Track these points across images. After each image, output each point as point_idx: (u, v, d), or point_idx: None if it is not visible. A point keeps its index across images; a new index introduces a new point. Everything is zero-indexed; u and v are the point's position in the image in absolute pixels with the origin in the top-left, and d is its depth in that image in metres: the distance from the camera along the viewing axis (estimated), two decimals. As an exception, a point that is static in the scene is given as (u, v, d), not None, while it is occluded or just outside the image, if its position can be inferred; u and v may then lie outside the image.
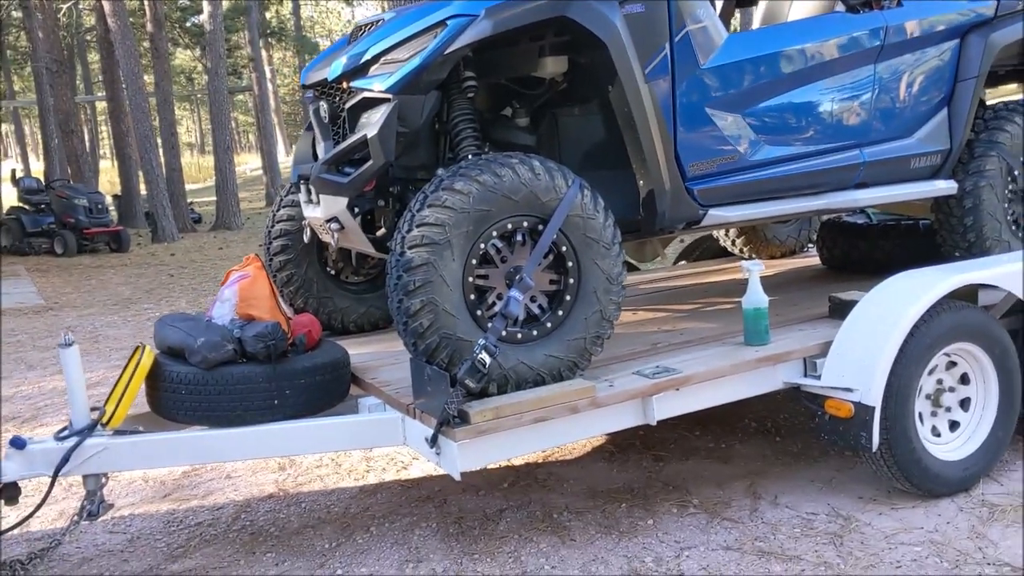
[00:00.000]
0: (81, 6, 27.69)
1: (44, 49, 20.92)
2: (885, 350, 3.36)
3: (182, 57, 37.80)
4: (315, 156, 3.78)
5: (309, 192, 3.71)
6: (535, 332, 3.20)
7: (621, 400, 3.25)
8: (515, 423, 3.05)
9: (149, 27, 20.94)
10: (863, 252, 5.03)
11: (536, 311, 3.24)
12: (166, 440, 3.26)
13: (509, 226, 3.13)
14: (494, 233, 3.10)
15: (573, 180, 3.20)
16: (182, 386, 3.27)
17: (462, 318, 3.07)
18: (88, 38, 31.27)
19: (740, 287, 3.65)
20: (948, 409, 3.67)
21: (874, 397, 3.35)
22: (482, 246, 3.09)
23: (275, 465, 4.60)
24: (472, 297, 3.10)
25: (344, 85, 3.51)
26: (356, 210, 3.59)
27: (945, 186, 4.15)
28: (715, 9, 4.62)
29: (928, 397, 3.63)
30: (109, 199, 21.83)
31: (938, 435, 3.66)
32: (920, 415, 3.60)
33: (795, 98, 3.74)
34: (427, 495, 4.08)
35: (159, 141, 20.44)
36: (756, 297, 3.64)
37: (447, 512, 3.89)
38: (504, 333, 3.13)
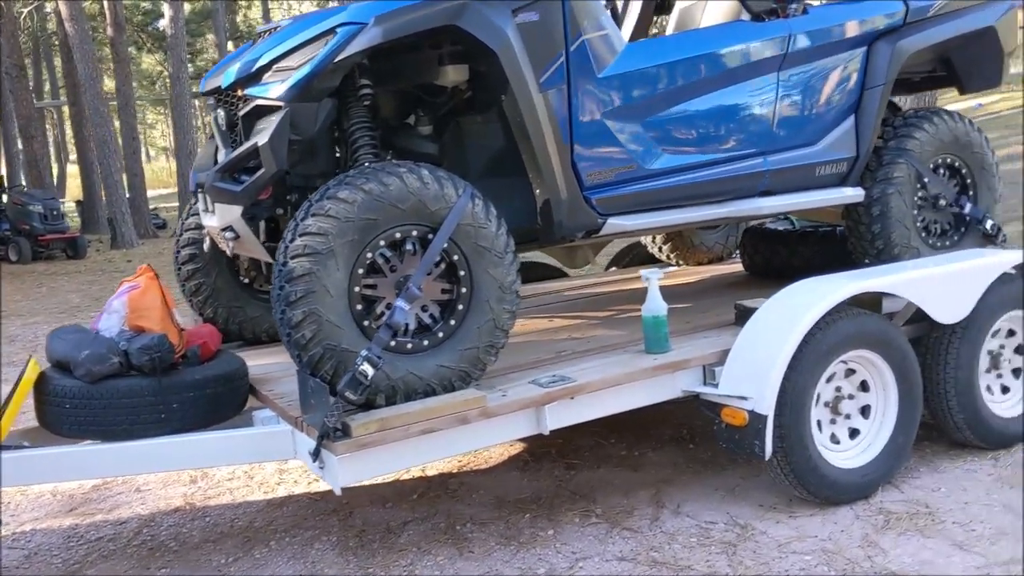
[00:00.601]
0: (47, 8, 27.43)
1: (5, 54, 20.66)
2: (778, 358, 3.36)
3: (148, 61, 37.52)
4: (216, 164, 3.74)
5: (206, 200, 3.67)
6: (426, 342, 3.18)
7: (513, 410, 3.23)
8: (402, 435, 3.02)
9: (110, 31, 20.76)
10: (783, 258, 5.04)
11: (428, 321, 3.22)
12: (49, 455, 3.20)
13: (397, 235, 3.10)
14: (381, 242, 3.08)
15: (464, 189, 3.18)
16: (67, 400, 3.21)
17: (348, 329, 3.04)
18: (54, 42, 31.00)
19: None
20: (847, 416, 3.68)
21: (767, 405, 3.35)
22: (369, 255, 3.07)
23: (187, 478, 4.54)
24: (359, 307, 3.07)
25: (239, 92, 3.47)
26: (254, 219, 3.55)
27: (852, 193, 4.17)
28: (623, 16, 4.66)
29: (827, 404, 3.64)
30: (71, 204, 21.59)
31: (837, 442, 3.66)
32: (819, 422, 3.60)
33: (695, 107, 3.74)
34: (334, 508, 4.04)
35: (120, 145, 20.26)
36: (655, 305, 3.64)
37: (350, 525, 3.86)
38: (393, 343, 3.11)
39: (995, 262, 3.90)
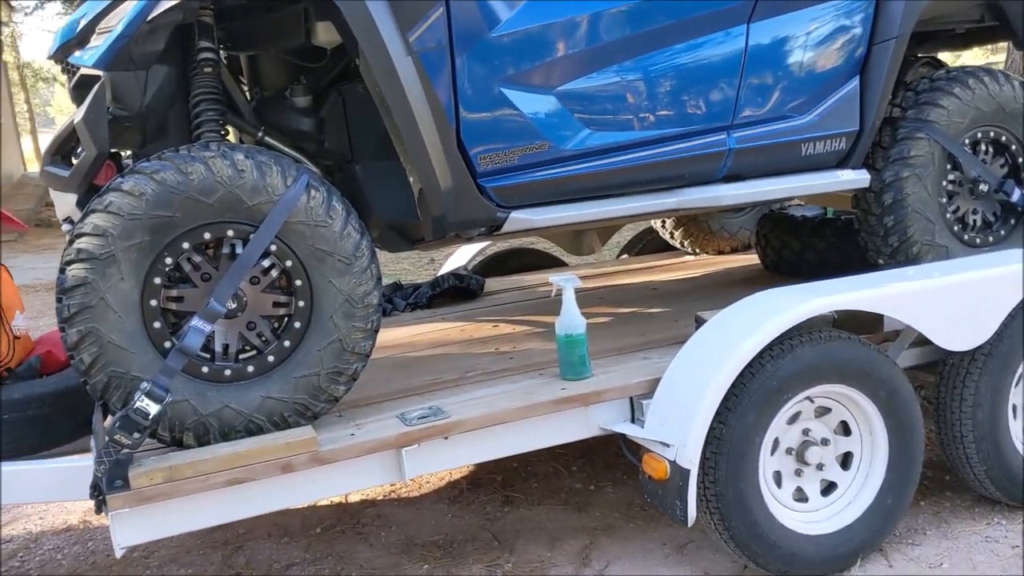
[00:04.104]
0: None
1: None
2: (705, 396, 2.59)
3: None
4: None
5: (59, 188, 3.16)
6: (251, 368, 2.57)
7: (357, 454, 2.59)
8: (200, 486, 2.43)
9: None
10: (795, 252, 4.17)
11: (257, 342, 2.60)
12: None
13: (207, 236, 2.50)
14: (186, 245, 2.48)
15: (298, 178, 2.54)
16: None
17: (140, 352, 2.45)
18: None
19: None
20: (819, 467, 2.87)
21: (690, 457, 2.59)
22: (169, 261, 2.47)
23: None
24: (158, 325, 2.49)
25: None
26: None
27: (852, 177, 3.29)
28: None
29: (790, 452, 2.85)
30: None
31: (804, 500, 2.87)
32: (777, 475, 2.82)
33: (629, 70, 2.95)
34: (224, 540, 3.51)
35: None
36: (570, 320, 2.93)
37: (231, 564, 3.33)
38: (207, 370, 2.53)
39: (1033, 269, 2.98)
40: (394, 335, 3.76)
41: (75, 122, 2.74)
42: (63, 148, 2.87)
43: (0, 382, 2.95)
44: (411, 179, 2.82)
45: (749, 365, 2.64)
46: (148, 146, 2.96)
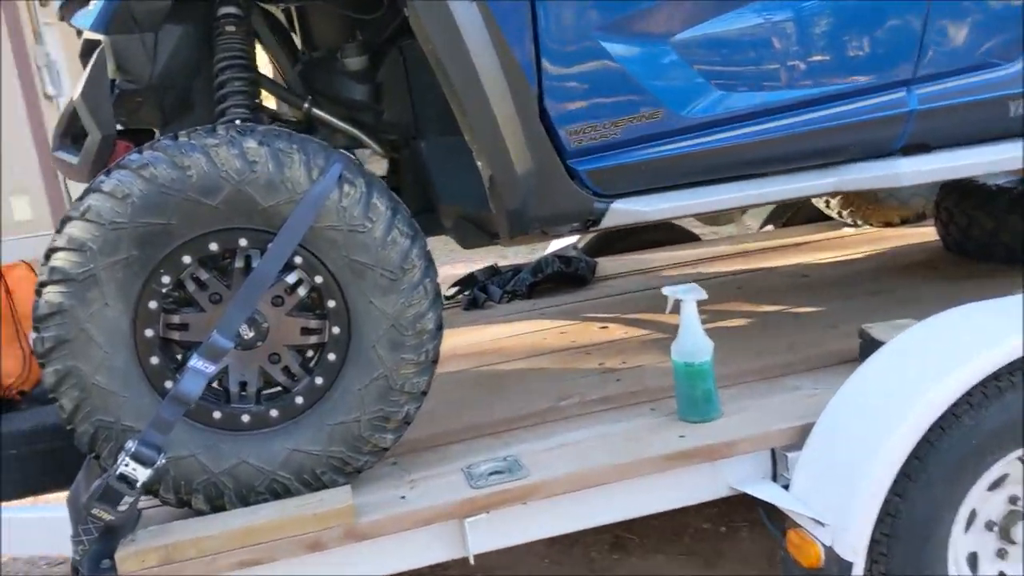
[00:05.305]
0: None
1: None
2: (878, 460, 1.88)
3: None
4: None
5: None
6: (274, 412, 2.03)
7: (407, 527, 2.01)
8: (204, 570, 1.91)
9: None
10: (985, 231, 3.30)
11: (283, 379, 2.06)
12: None
13: (213, 247, 1.96)
14: (187, 259, 1.95)
15: (327, 169, 1.95)
16: None
17: (134, 395, 1.96)
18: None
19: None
20: (1033, 546, 2.11)
21: (853, 544, 1.89)
22: (166, 280, 1.94)
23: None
24: (156, 361, 1.97)
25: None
26: None
27: (1081, 144, 2.44)
28: None
29: (991, 527, 2.09)
30: None
31: (1010, 590, 2.12)
32: (973, 558, 2.08)
33: (773, 8, 2.19)
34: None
35: None
36: (692, 345, 2.24)
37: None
38: (219, 416, 2.01)
39: None
40: (480, 338, 3.17)
41: (73, 99, 2.25)
42: (72, 128, 2.38)
43: (11, 407, 2.52)
44: (479, 163, 2.18)
45: (941, 417, 1.90)
46: (171, 125, 2.45)
